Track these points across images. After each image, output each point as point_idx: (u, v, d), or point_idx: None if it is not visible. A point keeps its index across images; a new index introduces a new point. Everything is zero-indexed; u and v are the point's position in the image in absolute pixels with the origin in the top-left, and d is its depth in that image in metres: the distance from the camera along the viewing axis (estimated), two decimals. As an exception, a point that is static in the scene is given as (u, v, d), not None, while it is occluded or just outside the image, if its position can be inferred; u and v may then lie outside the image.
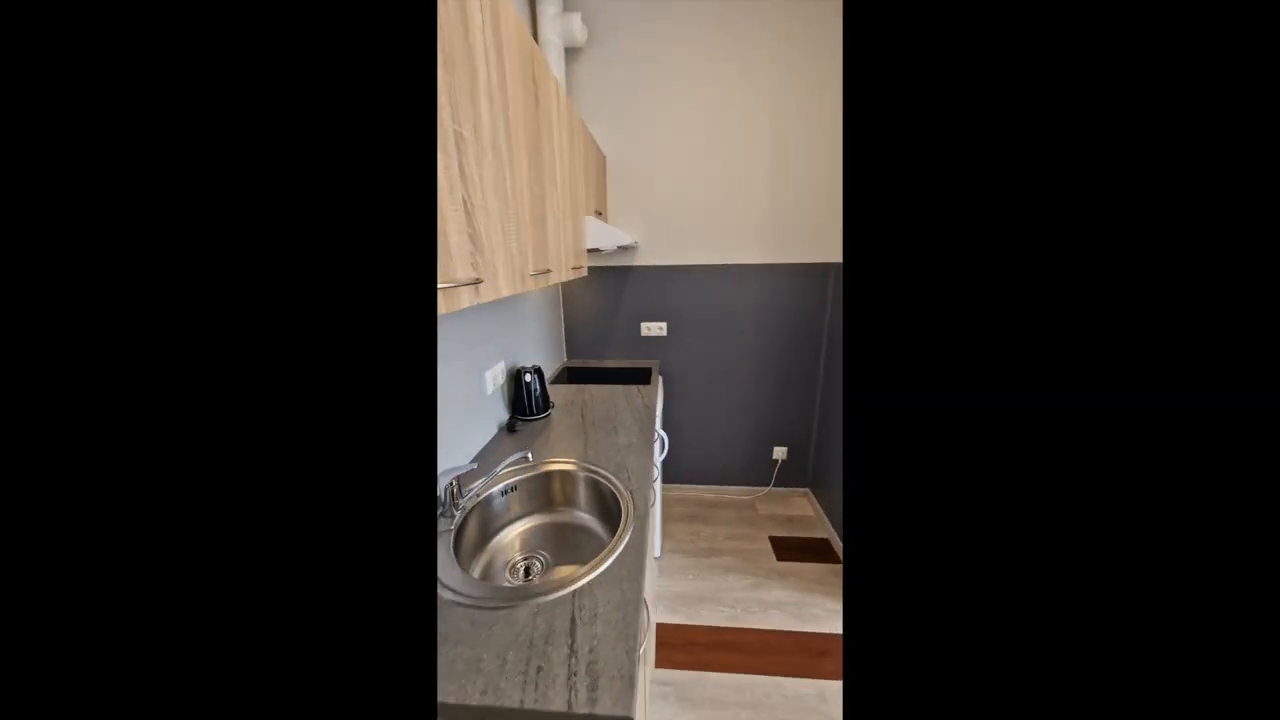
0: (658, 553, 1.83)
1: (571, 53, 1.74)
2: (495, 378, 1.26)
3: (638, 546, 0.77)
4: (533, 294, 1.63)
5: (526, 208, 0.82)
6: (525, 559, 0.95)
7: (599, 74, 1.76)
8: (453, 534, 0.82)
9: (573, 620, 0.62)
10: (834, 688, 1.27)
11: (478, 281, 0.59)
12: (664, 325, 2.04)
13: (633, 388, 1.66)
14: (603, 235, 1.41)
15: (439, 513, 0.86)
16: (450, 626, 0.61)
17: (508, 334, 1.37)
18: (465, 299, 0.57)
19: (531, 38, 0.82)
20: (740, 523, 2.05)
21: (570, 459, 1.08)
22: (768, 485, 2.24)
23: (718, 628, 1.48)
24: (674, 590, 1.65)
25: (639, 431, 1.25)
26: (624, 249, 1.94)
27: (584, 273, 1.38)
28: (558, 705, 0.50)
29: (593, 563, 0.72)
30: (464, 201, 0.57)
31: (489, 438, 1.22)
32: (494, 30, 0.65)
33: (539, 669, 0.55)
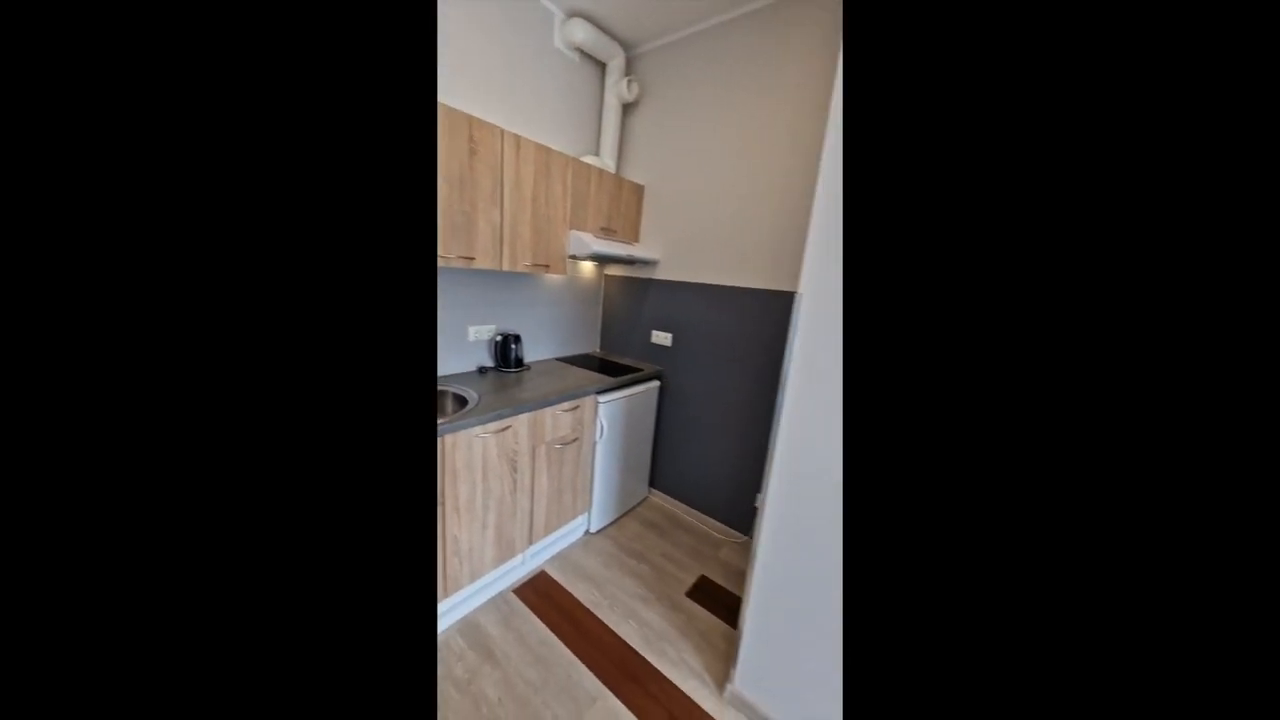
0: (594, 527, 2.01)
1: (629, 108, 2.16)
2: (479, 333, 1.85)
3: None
4: (549, 283, 2.14)
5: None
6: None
7: (650, 122, 2.12)
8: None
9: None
10: (609, 705, 1.23)
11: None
12: (670, 336, 2.17)
13: (597, 377, 1.93)
14: (580, 245, 1.80)
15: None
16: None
17: (498, 306, 1.93)
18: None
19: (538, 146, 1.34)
20: (689, 552, 1.95)
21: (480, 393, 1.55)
22: (747, 535, 2.00)
23: (580, 603, 1.60)
24: (576, 560, 1.82)
25: (538, 401, 1.58)
26: (647, 263, 2.21)
27: (551, 271, 1.79)
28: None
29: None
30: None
31: (461, 370, 1.82)
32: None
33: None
